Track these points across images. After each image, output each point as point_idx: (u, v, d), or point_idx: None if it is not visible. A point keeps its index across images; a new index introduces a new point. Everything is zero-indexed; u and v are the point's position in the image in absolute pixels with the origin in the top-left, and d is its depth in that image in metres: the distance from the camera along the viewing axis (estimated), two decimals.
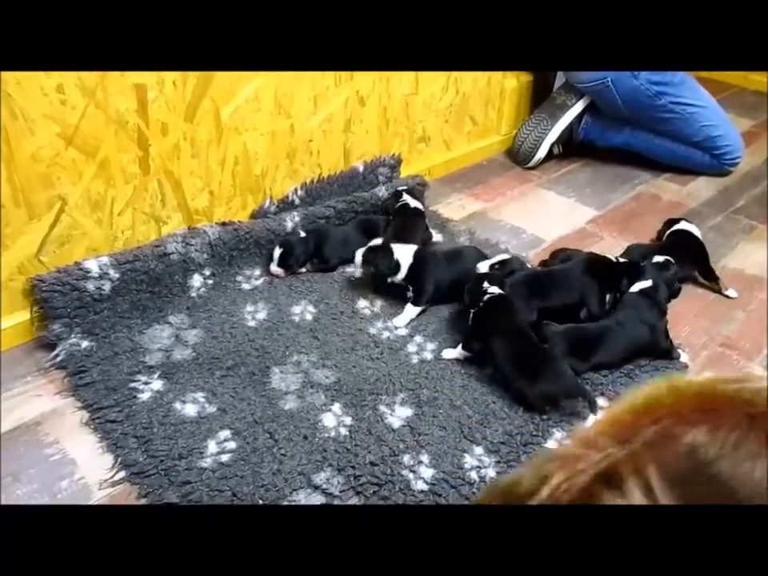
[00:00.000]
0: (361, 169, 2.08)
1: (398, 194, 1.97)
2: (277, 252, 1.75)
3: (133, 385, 1.43)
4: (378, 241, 1.70)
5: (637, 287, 1.58)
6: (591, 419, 1.38)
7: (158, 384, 1.43)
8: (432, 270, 1.69)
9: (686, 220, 1.95)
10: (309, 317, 1.65)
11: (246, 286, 1.74)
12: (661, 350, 1.54)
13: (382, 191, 2.04)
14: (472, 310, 1.54)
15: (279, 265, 1.76)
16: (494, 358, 1.47)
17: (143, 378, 1.44)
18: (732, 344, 1.65)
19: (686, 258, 1.81)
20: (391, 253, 1.67)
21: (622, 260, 1.70)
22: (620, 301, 1.61)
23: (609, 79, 2.22)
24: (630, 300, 1.57)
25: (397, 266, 1.67)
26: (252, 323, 1.62)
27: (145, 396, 1.41)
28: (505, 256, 1.74)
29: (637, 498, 0.33)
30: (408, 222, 1.90)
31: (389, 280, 1.70)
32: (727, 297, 1.79)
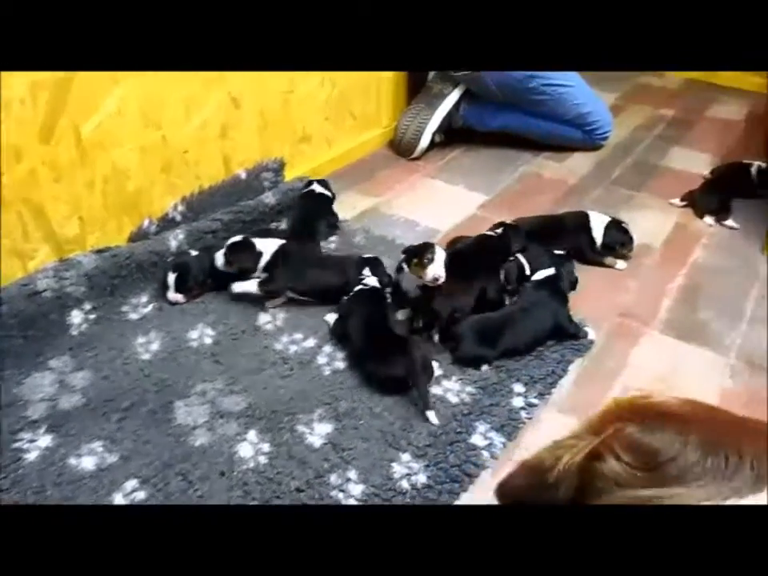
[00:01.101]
0: (243, 176, 1.97)
1: (308, 183, 2.00)
2: (171, 277, 1.61)
3: (16, 445, 1.26)
4: (237, 237, 1.67)
5: (540, 275, 1.60)
6: (432, 415, 1.35)
7: (45, 440, 1.28)
8: (293, 264, 1.65)
9: (617, 220, 1.90)
10: (208, 341, 1.54)
11: (133, 316, 1.60)
12: (567, 334, 1.57)
13: (269, 197, 1.95)
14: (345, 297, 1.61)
15: (177, 290, 1.62)
16: (352, 339, 1.50)
17: (28, 436, 1.28)
18: (629, 313, 1.71)
19: (573, 236, 1.87)
20: (252, 246, 1.63)
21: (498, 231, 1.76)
22: (524, 288, 1.62)
23: None
24: (533, 288, 1.59)
25: (258, 258, 1.63)
26: (146, 356, 1.49)
27: (32, 456, 1.25)
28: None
29: (613, 463, 0.58)
30: (312, 208, 1.93)
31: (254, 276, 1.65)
32: (618, 269, 1.86)
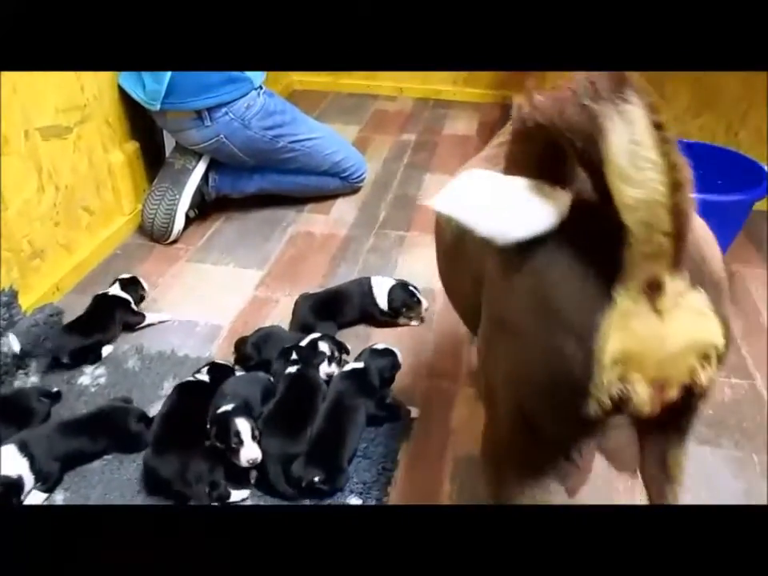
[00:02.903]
0: None
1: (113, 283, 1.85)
2: None
3: None
4: None
5: (348, 367, 1.51)
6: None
7: None
8: (45, 452, 1.33)
9: (402, 282, 1.83)
10: None
11: None
12: (386, 420, 1.50)
13: (8, 343, 1.60)
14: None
15: None
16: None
17: None
18: (438, 373, 1.69)
19: (358, 305, 1.82)
20: None
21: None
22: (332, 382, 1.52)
23: (222, 136, 2.08)
24: (337, 383, 1.49)
25: None
26: None
27: None
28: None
29: None
30: (99, 312, 1.76)
31: None
32: (414, 325, 1.84)
